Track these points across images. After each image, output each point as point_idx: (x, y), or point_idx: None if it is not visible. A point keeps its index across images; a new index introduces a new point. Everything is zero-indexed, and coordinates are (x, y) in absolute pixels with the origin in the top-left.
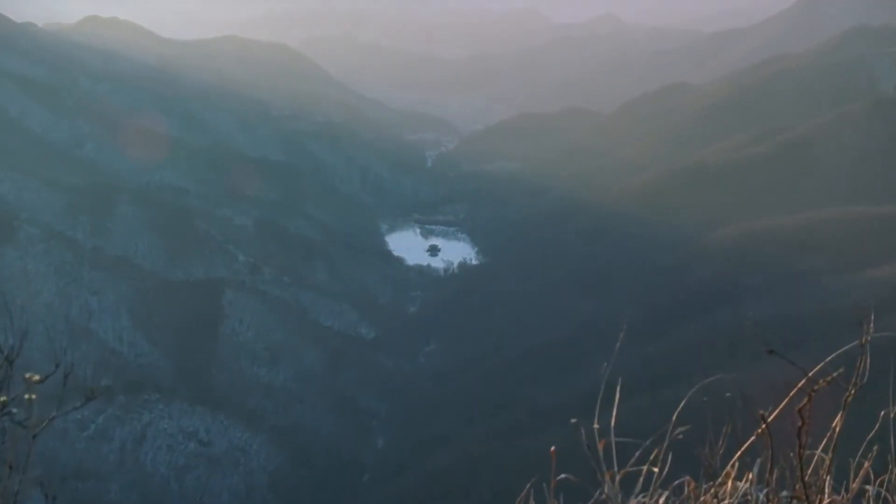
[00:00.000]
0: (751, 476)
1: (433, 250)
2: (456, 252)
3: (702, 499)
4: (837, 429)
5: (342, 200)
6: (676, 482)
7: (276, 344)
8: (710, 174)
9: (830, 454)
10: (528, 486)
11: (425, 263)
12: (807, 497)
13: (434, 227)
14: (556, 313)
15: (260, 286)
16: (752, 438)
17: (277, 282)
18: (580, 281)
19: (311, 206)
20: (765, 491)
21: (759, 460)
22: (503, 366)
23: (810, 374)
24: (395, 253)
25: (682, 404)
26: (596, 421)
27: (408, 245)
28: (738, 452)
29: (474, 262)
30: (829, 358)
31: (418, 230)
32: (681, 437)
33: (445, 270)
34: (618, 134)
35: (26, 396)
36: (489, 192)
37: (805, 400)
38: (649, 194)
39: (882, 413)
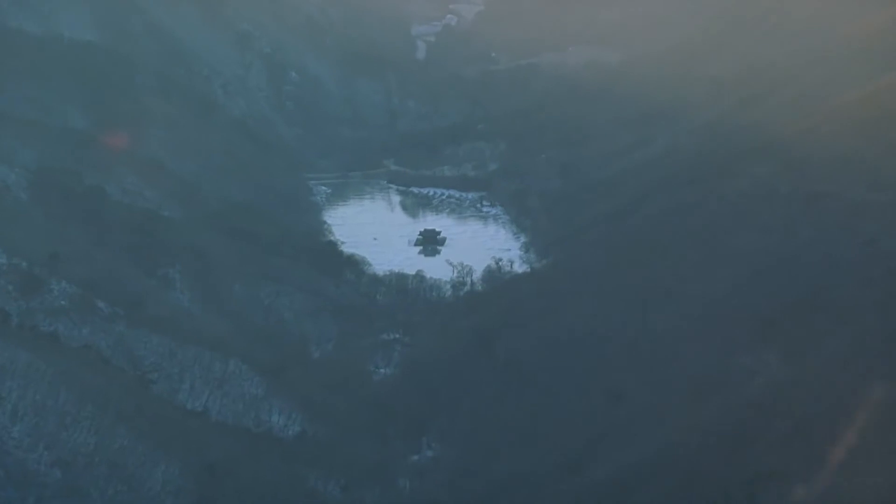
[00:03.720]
0: None
1: (430, 242)
2: (478, 246)
3: None
4: None
5: (229, 132)
6: None
7: (79, 447)
8: None
9: None
10: None
11: (412, 270)
12: None
13: (432, 190)
14: (700, 379)
15: (42, 322)
16: None
17: (82, 311)
18: (750, 309)
19: (155, 143)
20: None
21: None
22: (584, 494)
23: None
24: (347, 248)
25: None
26: None
27: (374, 230)
28: None
29: (518, 267)
30: None
31: (397, 199)
32: None
33: (456, 286)
34: None
35: None
36: (551, 118)
37: None
38: None
39: None
